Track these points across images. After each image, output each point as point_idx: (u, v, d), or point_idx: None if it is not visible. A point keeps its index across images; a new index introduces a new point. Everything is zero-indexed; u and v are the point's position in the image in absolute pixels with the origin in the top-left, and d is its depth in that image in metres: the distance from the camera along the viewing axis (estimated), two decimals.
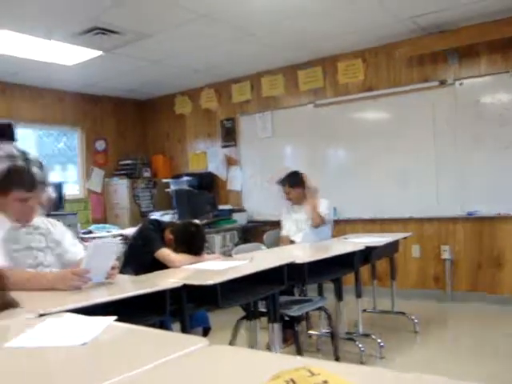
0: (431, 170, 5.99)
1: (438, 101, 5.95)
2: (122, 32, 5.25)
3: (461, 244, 5.93)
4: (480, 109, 5.71)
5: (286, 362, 1.22)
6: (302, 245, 4.85)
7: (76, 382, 1.20)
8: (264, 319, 3.50)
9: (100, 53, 5.83)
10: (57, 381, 1.23)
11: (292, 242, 5.10)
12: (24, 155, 2.61)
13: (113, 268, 2.65)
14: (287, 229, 5.23)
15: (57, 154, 7.90)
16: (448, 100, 5.89)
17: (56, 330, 1.67)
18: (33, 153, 2.75)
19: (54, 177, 7.40)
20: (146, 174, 8.16)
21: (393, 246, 4.92)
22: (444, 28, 5.64)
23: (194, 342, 1.48)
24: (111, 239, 2.77)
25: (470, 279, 5.90)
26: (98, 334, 1.58)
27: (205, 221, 6.45)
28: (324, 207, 5.11)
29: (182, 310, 2.78)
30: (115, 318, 1.74)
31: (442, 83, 5.92)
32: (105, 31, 5.17)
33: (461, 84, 5.83)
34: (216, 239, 6.49)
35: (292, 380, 0.88)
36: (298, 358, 1.30)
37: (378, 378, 1.18)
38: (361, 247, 4.11)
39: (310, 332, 4.71)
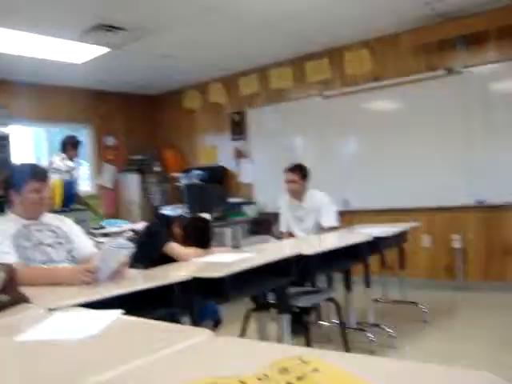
0: (441, 159, 5.98)
1: (447, 89, 5.94)
2: (128, 28, 5.29)
3: (471, 233, 5.93)
4: (489, 96, 5.69)
5: (286, 351, 1.25)
6: (309, 237, 4.86)
7: (84, 372, 1.24)
8: (273, 311, 3.53)
9: (108, 50, 5.87)
10: (67, 371, 1.27)
11: (292, 235, 5.11)
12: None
13: (123, 265, 2.69)
14: (286, 225, 5.21)
15: None
16: (457, 88, 5.87)
17: (65, 324, 1.71)
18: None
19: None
20: (157, 169, 8.21)
21: (401, 236, 4.92)
22: (457, 15, 5.60)
23: (199, 334, 1.51)
24: (124, 242, 2.80)
25: (481, 268, 5.89)
26: (106, 326, 1.62)
27: (215, 214, 6.49)
28: (333, 218, 5.03)
29: (191, 303, 2.82)
30: (122, 311, 1.78)
31: (450, 71, 5.90)
32: (111, 28, 5.22)
33: (469, 72, 5.80)
34: (227, 232, 6.53)
35: (284, 368, 0.91)
36: (301, 348, 1.33)
37: (375, 366, 1.21)
38: (369, 238, 4.13)
39: (320, 322, 4.73)
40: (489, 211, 5.77)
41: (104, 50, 5.87)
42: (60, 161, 6.30)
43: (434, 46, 6.00)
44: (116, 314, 1.76)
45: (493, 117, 5.65)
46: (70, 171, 6.29)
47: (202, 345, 1.43)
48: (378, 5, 5.30)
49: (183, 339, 1.45)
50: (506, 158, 5.59)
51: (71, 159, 6.39)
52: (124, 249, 2.69)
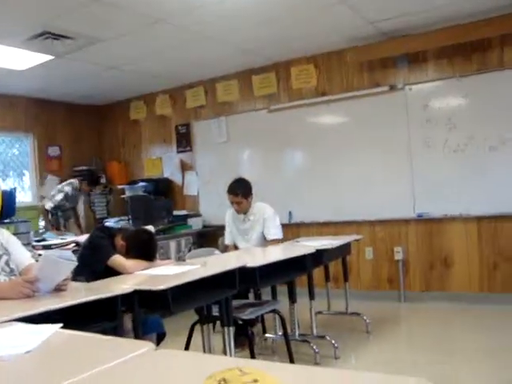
0: (383, 174, 6.12)
1: (389, 105, 6.09)
2: (73, 37, 5.20)
3: (413, 245, 6.08)
4: (429, 113, 5.86)
5: (225, 363, 1.25)
6: (254, 249, 4.88)
7: None
8: (219, 323, 3.51)
9: (52, 57, 5.76)
10: None
11: (236, 248, 5.13)
12: None
13: (64, 279, 2.64)
14: (231, 238, 5.22)
15: (11, 161, 7.73)
16: (398, 104, 6.03)
17: (0, 340, 1.66)
18: None
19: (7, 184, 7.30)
20: (102, 181, 8.08)
21: (345, 249, 5.00)
22: (400, 34, 5.77)
23: (141, 347, 1.50)
24: (66, 253, 2.75)
25: (423, 279, 6.04)
26: (43, 341, 1.58)
27: (160, 227, 6.44)
28: (278, 231, 5.06)
29: (134, 316, 2.79)
30: (61, 325, 1.74)
31: (392, 88, 6.06)
32: (56, 36, 5.11)
33: (410, 89, 5.98)
34: (171, 245, 6.48)
35: (224, 379, 0.91)
36: (240, 360, 1.33)
37: (315, 376, 1.23)
38: (311, 250, 4.18)
39: (265, 335, 4.75)
40: (429, 224, 5.94)
41: (47, 57, 5.75)
42: None
43: (377, 63, 6.16)
44: (54, 328, 1.72)
45: (433, 132, 5.83)
46: None
47: (143, 358, 1.42)
48: (324, 22, 5.39)
49: (124, 352, 1.43)
50: (445, 172, 5.77)
51: None
52: (67, 261, 2.64)
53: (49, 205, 6.74)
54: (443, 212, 5.80)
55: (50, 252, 2.78)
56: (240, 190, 5.02)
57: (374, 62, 6.16)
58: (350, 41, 6.00)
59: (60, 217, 6.90)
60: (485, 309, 5.43)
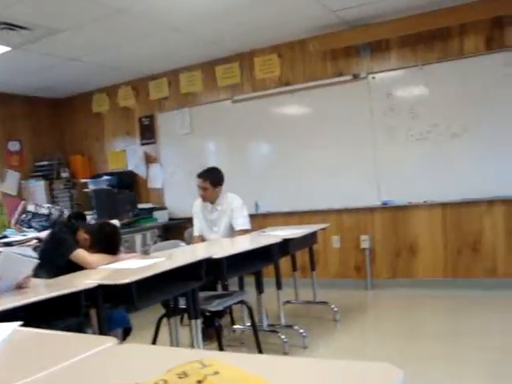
0: (348, 162, 6.14)
1: (353, 94, 6.11)
2: (31, 27, 5.07)
3: (379, 233, 6.13)
4: (392, 102, 5.90)
5: (190, 356, 1.22)
6: (219, 240, 4.86)
7: None
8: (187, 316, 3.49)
9: (8, 49, 5.61)
10: None
11: (204, 239, 5.10)
12: None
13: (25, 277, 2.58)
14: (199, 229, 5.19)
15: None
16: (362, 93, 6.05)
17: None
18: None
19: None
20: (65, 175, 7.94)
21: (311, 238, 5.01)
22: (362, 23, 5.78)
23: (104, 342, 1.47)
24: (27, 250, 2.70)
25: (389, 267, 6.11)
26: (1, 340, 1.53)
27: (125, 220, 6.36)
28: (245, 221, 5.04)
29: (98, 311, 2.74)
30: (20, 323, 1.69)
31: (356, 77, 6.08)
32: (12, 26, 4.97)
33: (373, 78, 6.01)
34: (136, 238, 6.41)
35: (184, 372, 0.89)
36: (203, 352, 1.32)
37: (280, 366, 1.21)
38: (278, 240, 4.17)
39: (234, 327, 4.73)
40: (394, 212, 6.00)
41: (4, 49, 5.60)
42: None
43: (340, 53, 6.17)
44: (13, 326, 1.66)
45: (396, 121, 5.87)
46: None
47: (106, 353, 1.39)
48: (286, 11, 5.37)
49: (86, 348, 1.40)
50: (409, 160, 5.83)
51: None
52: (28, 259, 2.58)
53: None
54: (408, 199, 5.87)
55: (10, 249, 2.71)
56: (209, 177, 5.01)
57: (336, 51, 6.17)
58: (312, 30, 5.99)
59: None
60: (449, 294, 5.52)
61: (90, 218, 6.61)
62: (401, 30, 5.67)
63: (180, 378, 0.87)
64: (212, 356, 1.08)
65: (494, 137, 5.43)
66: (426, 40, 5.68)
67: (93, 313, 2.83)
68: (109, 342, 1.46)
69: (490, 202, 5.54)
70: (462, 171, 5.58)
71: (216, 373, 0.88)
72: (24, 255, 2.60)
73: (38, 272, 3.34)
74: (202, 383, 0.85)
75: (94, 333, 3.02)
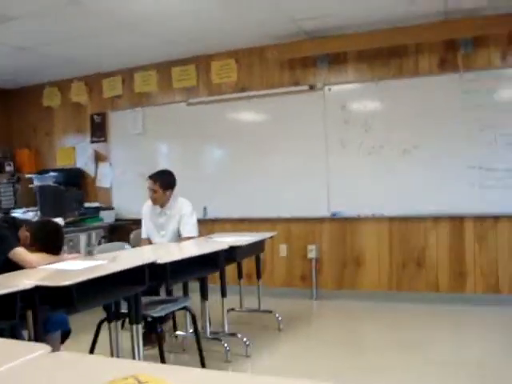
0: (300, 171, 6.15)
1: (309, 104, 6.14)
2: None
3: (326, 244, 6.16)
4: (347, 114, 5.96)
5: (123, 368, 1.17)
6: (165, 244, 4.78)
7: None
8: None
9: None
10: None
11: (151, 242, 5.01)
12: None
13: None
14: (147, 232, 5.10)
15: None
16: (318, 104, 6.09)
17: None
18: None
19: None
20: (9, 169, 7.69)
21: (258, 246, 4.99)
22: (322, 34, 5.82)
23: (37, 349, 1.39)
24: None
25: (335, 277, 6.14)
26: None
27: (70, 219, 6.20)
28: (193, 229, 4.95)
29: (34, 314, 2.64)
30: None
31: (312, 88, 6.11)
32: None
33: (329, 89, 6.05)
34: (81, 238, 6.25)
35: None
36: (138, 363, 1.26)
37: (217, 381, 1.17)
38: (224, 246, 4.13)
39: (176, 333, 4.66)
40: (342, 223, 6.04)
41: None
42: None
43: (298, 62, 6.19)
44: None
45: (349, 134, 5.93)
46: None
47: (36, 362, 1.31)
48: (248, 17, 5.34)
49: (18, 356, 1.32)
50: (360, 173, 5.89)
51: None
52: None
53: None
54: (357, 212, 5.92)
55: None
56: (159, 179, 4.92)
57: (295, 61, 6.19)
58: (272, 38, 5.99)
59: None
60: (393, 306, 5.59)
61: (34, 214, 6.42)
62: (359, 44, 5.74)
63: None
64: (148, 369, 1.03)
65: (443, 154, 5.55)
66: (382, 56, 5.77)
67: (29, 315, 2.72)
68: (41, 350, 1.39)
69: (435, 219, 5.66)
70: (410, 187, 5.68)
71: None
72: None
73: None
74: None
75: (29, 336, 2.91)
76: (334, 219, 6.05)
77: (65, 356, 1.39)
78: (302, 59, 6.14)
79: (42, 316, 2.72)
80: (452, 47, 5.50)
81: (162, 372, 1.04)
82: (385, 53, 5.74)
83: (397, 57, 5.73)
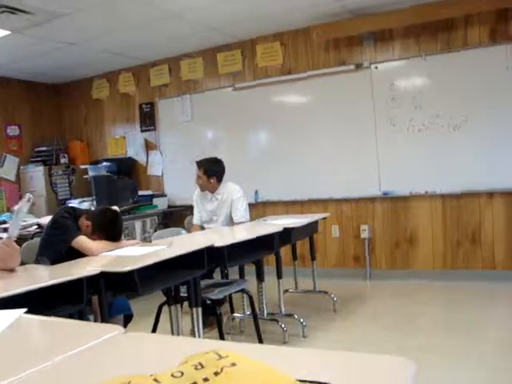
0: (349, 152, 6.12)
1: (356, 84, 6.08)
2: (32, 11, 5.01)
3: (379, 223, 6.13)
4: (395, 92, 5.88)
5: (199, 346, 1.22)
6: (219, 228, 4.85)
7: None
8: (187, 304, 3.48)
9: (8, 33, 5.56)
10: None
11: (203, 228, 5.09)
12: None
13: (8, 245, 2.63)
14: (199, 217, 5.18)
15: None
16: (365, 83, 6.02)
17: None
18: None
19: None
20: (64, 161, 7.92)
21: (312, 227, 5.00)
22: (366, 12, 5.74)
23: (109, 330, 1.45)
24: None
25: (388, 257, 6.11)
26: (6, 327, 1.52)
27: (125, 207, 6.33)
28: (244, 214, 5.00)
29: (101, 299, 2.73)
30: (25, 310, 1.67)
31: (358, 66, 6.05)
32: (13, 10, 4.92)
33: (376, 67, 5.97)
34: (136, 225, 6.39)
35: (200, 364, 0.88)
36: (213, 341, 1.31)
37: (287, 356, 1.21)
38: (279, 229, 4.16)
39: (234, 315, 4.74)
40: (394, 202, 5.99)
41: (4, 32, 5.54)
42: None
43: (343, 42, 6.14)
44: (18, 312, 1.65)
45: (398, 112, 5.85)
46: None
47: (113, 342, 1.38)
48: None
49: (93, 337, 1.38)
50: (410, 151, 5.82)
51: None
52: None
53: None
54: (409, 190, 5.86)
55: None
56: (204, 166, 4.99)
57: (340, 40, 6.14)
58: (316, 18, 5.95)
59: None
60: (448, 285, 5.53)
61: (89, 204, 6.60)
62: (405, 20, 5.63)
63: (196, 369, 0.86)
64: (223, 346, 1.07)
65: (495, 129, 5.42)
66: (429, 31, 5.65)
67: (95, 300, 2.83)
68: (115, 330, 1.44)
69: (490, 194, 5.54)
70: (462, 163, 5.57)
71: (233, 364, 0.87)
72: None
73: (40, 257, 3.35)
74: (219, 375, 0.84)
75: (95, 319, 3.02)
76: (386, 198, 6.01)
77: (139, 336, 1.44)
78: (347, 38, 6.08)
79: (107, 300, 2.81)
80: (504, 17, 5.34)
81: (237, 348, 1.07)
82: (432, 27, 5.62)
83: (444, 30, 5.60)
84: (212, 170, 5.00)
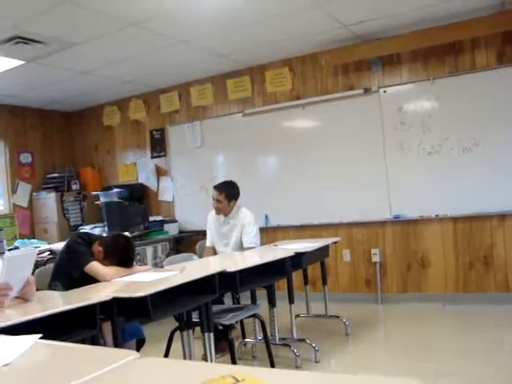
0: (359, 176, 6.13)
1: (364, 108, 6.12)
2: (45, 41, 5.11)
3: (390, 247, 6.11)
4: (403, 116, 5.91)
5: (214, 370, 1.22)
6: (230, 253, 4.86)
7: None
8: (198, 329, 3.48)
9: (22, 62, 5.66)
10: None
11: (216, 253, 5.11)
12: None
13: (28, 283, 2.56)
14: (211, 240, 5.22)
15: None
16: (373, 107, 6.06)
17: None
18: None
19: None
20: (75, 187, 7.97)
21: (323, 251, 4.99)
22: (374, 37, 5.81)
23: (124, 356, 1.46)
24: (28, 249, 2.72)
25: (400, 281, 6.08)
26: (22, 353, 1.53)
27: (136, 233, 6.37)
28: (254, 239, 5.03)
29: (113, 324, 2.74)
30: (40, 335, 1.68)
31: (367, 91, 6.09)
32: (27, 40, 5.02)
33: (385, 92, 6.02)
34: (148, 251, 6.41)
35: None
36: (228, 366, 1.31)
37: (301, 380, 1.21)
38: (290, 253, 4.16)
39: (245, 340, 4.72)
40: (405, 225, 5.97)
41: (18, 62, 5.64)
42: None
43: (352, 67, 6.20)
44: (33, 338, 1.66)
45: (407, 135, 5.87)
46: None
47: (129, 367, 1.38)
48: (298, 26, 5.40)
49: (109, 362, 1.39)
50: (420, 174, 5.82)
51: None
52: (29, 250, 2.58)
53: None
54: (419, 213, 5.84)
55: (10, 253, 2.71)
56: (225, 190, 5.06)
57: (348, 65, 6.20)
58: (324, 44, 6.02)
59: None
60: (461, 308, 5.48)
61: (101, 230, 6.63)
62: (412, 43, 5.69)
63: None
64: (239, 370, 1.08)
65: (505, 151, 5.42)
66: (437, 54, 5.70)
67: (105, 325, 2.83)
68: (130, 356, 1.45)
69: (502, 216, 5.51)
70: (473, 185, 5.57)
71: None
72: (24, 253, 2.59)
73: (53, 282, 3.37)
74: None
75: (105, 345, 3.02)
76: (397, 222, 6.00)
77: (155, 361, 1.45)
78: (356, 63, 6.14)
79: (120, 326, 2.82)
80: (510, 40, 5.37)
81: (252, 372, 1.08)
82: (439, 50, 5.66)
83: (452, 53, 5.65)
84: (233, 194, 5.09)
